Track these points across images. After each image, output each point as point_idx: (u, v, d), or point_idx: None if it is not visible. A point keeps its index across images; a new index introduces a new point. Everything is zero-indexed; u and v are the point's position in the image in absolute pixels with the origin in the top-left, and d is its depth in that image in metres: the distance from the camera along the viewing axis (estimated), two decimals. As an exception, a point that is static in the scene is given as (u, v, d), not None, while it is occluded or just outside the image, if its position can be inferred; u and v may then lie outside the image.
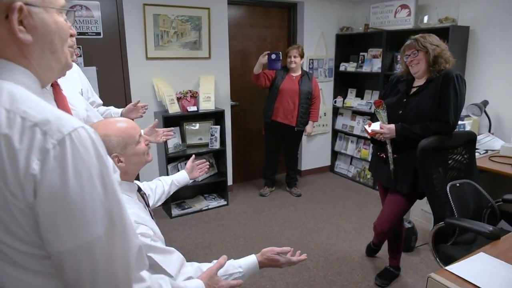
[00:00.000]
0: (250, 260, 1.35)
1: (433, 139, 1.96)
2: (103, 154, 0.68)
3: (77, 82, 2.21)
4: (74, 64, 2.27)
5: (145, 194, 1.48)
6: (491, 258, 1.47)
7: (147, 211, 1.38)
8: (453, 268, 1.39)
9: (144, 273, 0.80)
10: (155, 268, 1.16)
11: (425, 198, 2.09)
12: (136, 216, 1.22)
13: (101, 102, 2.46)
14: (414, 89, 2.16)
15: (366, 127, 2.23)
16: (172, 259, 1.21)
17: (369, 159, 3.92)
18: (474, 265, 1.42)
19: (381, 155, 2.27)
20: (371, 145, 2.53)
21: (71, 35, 0.80)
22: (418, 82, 2.16)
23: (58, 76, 0.84)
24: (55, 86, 1.62)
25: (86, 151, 0.64)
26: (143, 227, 1.20)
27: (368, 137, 2.29)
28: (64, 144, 0.62)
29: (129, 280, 0.72)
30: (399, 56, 3.02)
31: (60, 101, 1.62)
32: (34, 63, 0.72)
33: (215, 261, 1.23)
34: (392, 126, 2.12)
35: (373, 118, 2.33)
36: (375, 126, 2.18)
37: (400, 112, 2.14)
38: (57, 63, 0.76)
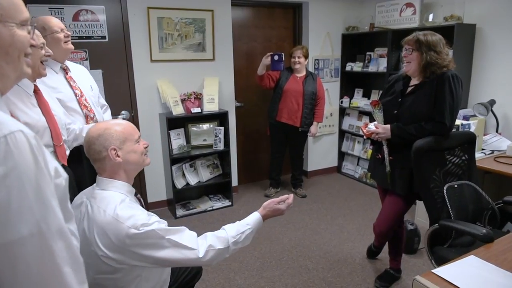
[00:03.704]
0: (255, 216, 1.54)
1: (428, 140, 1.93)
2: (40, 158, 0.70)
3: (87, 79, 2.37)
4: (82, 66, 2.43)
5: (141, 198, 1.53)
6: (481, 261, 1.43)
7: None
8: (439, 270, 1.36)
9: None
10: (178, 246, 1.28)
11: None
12: (143, 211, 1.33)
13: (105, 103, 2.58)
14: (409, 89, 2.12)
15: (362, 127, 2.22)
16: (185, 235, 1.33)
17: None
18: (463, 268, 1.39)
19: (378, 156, 2.25)
20: (372, 146, 2.50)
21: (32, 46, 0.84)
22: (414, 81, 2.12)
23: (14, 84, 0.88)
24: (38, 92, 1.74)
25: (19, 154, 0.66)
26: (155, 216, 1.32)
27: (365, 137, 2.27)
28: None
29: (60, 280, 0.71)
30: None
31: (43, 106, 1.74)
32: None
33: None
34: (388, 126, 2.09)
35: (372, 118, 2.31)
36: (371, 127, 2.16)
37: (395, 112, 2.11)
38: (12, 72, 0.80)
